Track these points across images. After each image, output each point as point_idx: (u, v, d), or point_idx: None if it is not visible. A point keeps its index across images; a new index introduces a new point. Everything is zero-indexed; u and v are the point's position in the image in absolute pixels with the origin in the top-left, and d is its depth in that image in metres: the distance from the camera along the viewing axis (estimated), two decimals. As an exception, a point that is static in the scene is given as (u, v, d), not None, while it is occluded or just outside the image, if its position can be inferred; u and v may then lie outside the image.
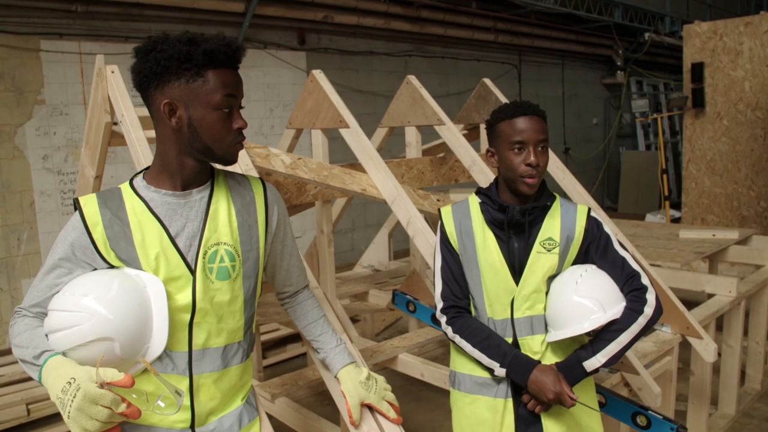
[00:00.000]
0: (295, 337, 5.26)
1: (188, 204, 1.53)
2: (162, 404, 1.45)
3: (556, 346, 1.92)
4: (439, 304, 1.97)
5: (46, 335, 1.43)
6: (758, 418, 3.83)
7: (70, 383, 1.29)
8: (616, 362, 1.84)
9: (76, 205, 1.52)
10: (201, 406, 1.56)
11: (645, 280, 1.87)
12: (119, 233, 1.48)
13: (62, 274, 1.49)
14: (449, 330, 1.94)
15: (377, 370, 3.27)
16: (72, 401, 1.27)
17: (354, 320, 4.71)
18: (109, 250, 1.48)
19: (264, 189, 1.68)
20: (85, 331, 1.37)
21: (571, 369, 1.85)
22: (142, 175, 1.57)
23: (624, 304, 1.85)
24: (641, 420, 2.23)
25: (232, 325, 1.59)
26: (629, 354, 2.54)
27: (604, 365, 1.83)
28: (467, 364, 1.96)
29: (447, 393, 2.11)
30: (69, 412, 1.27)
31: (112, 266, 1.49)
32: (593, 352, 1.83)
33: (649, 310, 1.83)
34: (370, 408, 1.81)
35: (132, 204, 1.51)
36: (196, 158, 1.51)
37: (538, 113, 1.88)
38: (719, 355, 3.36)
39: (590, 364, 1.83)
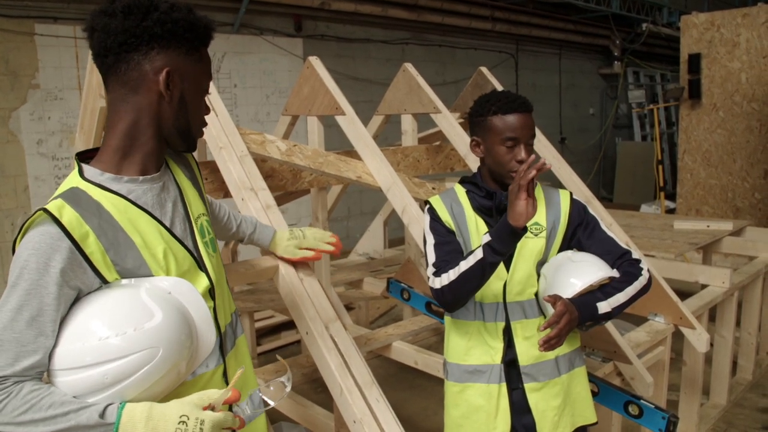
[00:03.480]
0: (290, 325, 5.26)
1: (165, 186, 1.37)
2: (271, 402, 1.37)
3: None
4: (432, 270, 1.87)
5: (77, 396, 1.17)
6: (749, 408, 3.86)
7: (184, 422, 1.16)
8: (618, 314, 1.85)
9: (47, 218, 1.19)
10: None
11: (636, 255, 1.92)
12: (114, 240, 1.24)
13: (52, 319, 1.17)
14: (437, 281, 1.82)
15: (371, 357, 3.29)
16: None
17: (349, 308, 4.72)
18: (109, 263, 1.23)
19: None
20: (153, 370, 1.19)
21: (585, 305, 1.81)
22: (89, 166, 1.31)
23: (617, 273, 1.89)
24: (633, 409, 2.25)
25: (227, 295, 1.52)
26: (622, 343, 2.56)
27: (609, 314, 1.82)
28: (456, 353, 1.97)
29: (441, 381, 2.12)
30: None
31: (105, 282, 1.24)
32: (604, 296, 1.83)
33: (645, 273, 1.88)
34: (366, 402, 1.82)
35: (111, 202, 1.26)
36: (167, 137, 1.35)
37: (530, 110, 1.89)
38: (711, 345, 3.37)
39: (601, 306, 1.82)
